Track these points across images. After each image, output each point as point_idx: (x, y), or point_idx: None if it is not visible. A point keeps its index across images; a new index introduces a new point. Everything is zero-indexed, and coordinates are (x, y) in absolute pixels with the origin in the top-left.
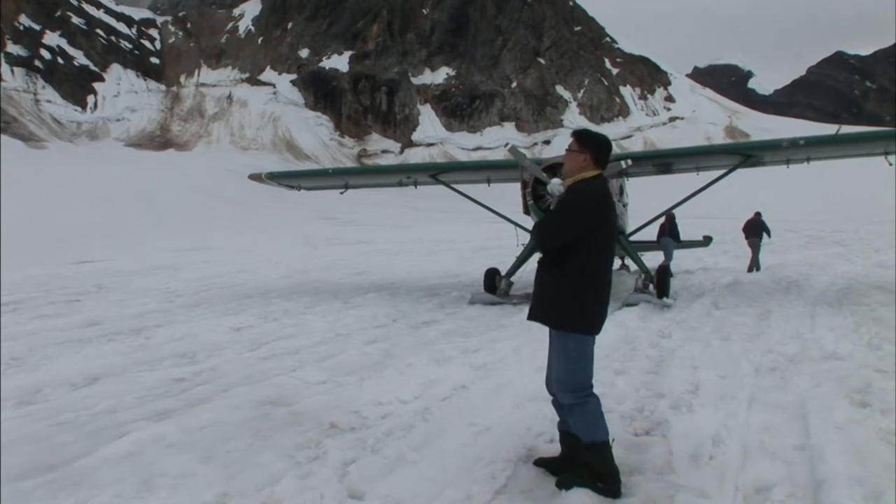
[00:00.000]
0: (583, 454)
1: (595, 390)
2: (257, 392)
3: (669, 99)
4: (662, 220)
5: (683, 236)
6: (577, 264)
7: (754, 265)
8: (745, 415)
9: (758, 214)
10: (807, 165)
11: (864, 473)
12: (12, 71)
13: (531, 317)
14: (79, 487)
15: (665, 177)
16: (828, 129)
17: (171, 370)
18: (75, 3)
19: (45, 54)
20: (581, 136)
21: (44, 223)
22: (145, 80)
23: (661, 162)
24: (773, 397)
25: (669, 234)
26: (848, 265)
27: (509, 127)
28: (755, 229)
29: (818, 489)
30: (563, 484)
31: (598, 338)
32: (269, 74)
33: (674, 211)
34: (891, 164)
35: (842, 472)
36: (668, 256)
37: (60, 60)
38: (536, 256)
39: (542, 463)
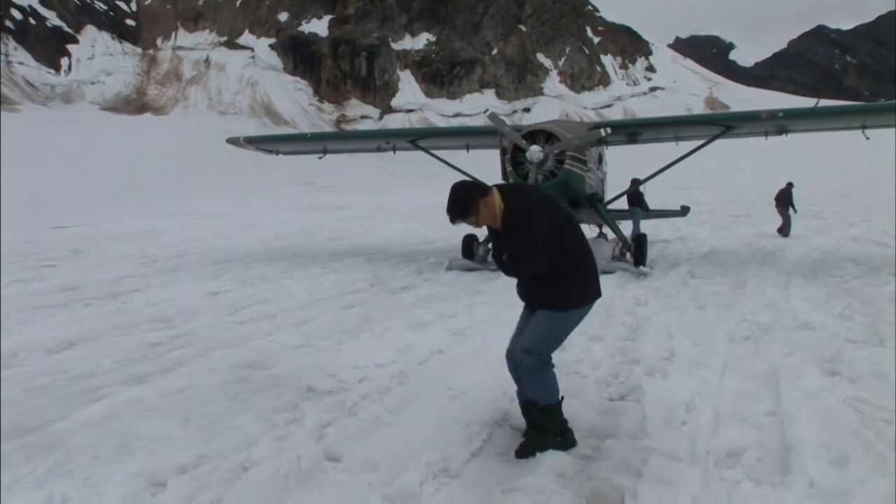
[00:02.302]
0: (536, 415)
1: (571, 356)
2: (234, 356)
3: (650, 69)
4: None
5: (661, 206)
6: (564, 265)
7: (787, 228)
8: (718, 381)
9: (789, 185)
10: (786, 138)
11: (831, 439)
12: None
13: (534, 304)
14: (56, 450)
15: (644, 146)
16: (807, 102)
17: (148, 334)
18: None
19: (16, 14)
20: (459, 214)
21: (17, 188)
22: (121, 42)
23: (641, 131)
24: (746, 365)
25: (637, 203)
26: (823, 238)
27: (489, 94)
28: (785, 198)
29: (787, 454)
30: (523, 454)
31: None
32: (247, 38)
33: (640, 179)
34: (868, 139)
35: (810, 437)
36: (636, 226)
37: (32, 21)
38: None
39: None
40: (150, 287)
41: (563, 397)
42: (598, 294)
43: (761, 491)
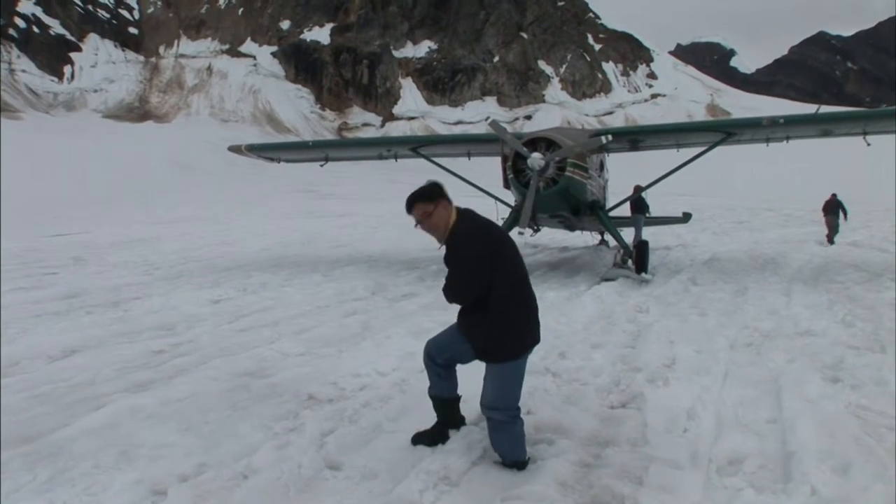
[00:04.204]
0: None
1: (572, 363)
2: (236, 364)
3: (652, 76)
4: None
5: (663, 213)
6: (495, 304)
7: (833, 235)
8: (720, 389)
9: (834, 195)
10: (787, 145)
11: (833, 446)
12: None
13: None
14: (56, 458)
15: (645, 153)
16: (808, 108)
17: (150, 342)
18: None
19: (20, 23)
20: (420, 198)
21: (19, 195)
22: (123, 50)
23: (642, 138)
24: (748, 372)
25: (638, 209)
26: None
27: (491, 101)
28: (832, 208)
29: (788, 461)
30: (419, 440)
31: (577, 312)
32: (249, 46)
33: (642, 185)
34: (869, 145)
35: (812, 444)
36: (638, 233)
37: (36, 29)
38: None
39: (420, 438)
40: (152, 295)
41: (529, 458)
42: (536, 341)
43: (763, 498)
